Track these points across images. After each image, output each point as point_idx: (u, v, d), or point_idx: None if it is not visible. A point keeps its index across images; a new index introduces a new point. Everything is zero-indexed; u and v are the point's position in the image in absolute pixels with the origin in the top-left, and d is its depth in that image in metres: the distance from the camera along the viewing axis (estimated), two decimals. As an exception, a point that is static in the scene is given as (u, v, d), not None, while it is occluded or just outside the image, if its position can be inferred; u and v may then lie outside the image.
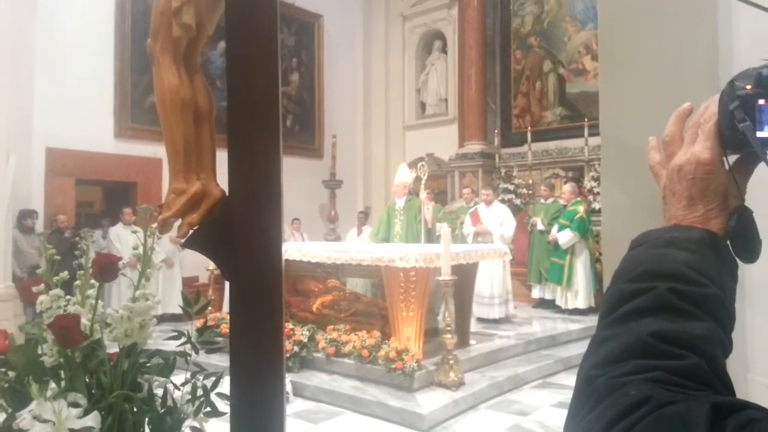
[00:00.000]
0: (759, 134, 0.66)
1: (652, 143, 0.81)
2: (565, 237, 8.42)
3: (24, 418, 1.21)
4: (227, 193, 1.38)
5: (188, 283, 9.54)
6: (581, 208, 8.57)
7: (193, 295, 1.39)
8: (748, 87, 0.67)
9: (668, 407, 0.51)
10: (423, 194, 7.60)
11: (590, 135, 9.99)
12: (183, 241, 1.37)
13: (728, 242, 0.70)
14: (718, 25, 1.65)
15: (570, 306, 8.49)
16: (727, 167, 0.71)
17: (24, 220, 8.10)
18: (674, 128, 0.77)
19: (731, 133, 0.69)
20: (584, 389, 0.59)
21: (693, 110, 0.78)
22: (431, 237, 7.58)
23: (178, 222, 1.41)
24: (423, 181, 7.53)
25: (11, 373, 1.36)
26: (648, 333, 0.59)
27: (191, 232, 1.37)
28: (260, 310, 1.36)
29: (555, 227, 8.66)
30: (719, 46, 1.64)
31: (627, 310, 0.63)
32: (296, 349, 5.78)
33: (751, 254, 0.70)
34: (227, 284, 8.08)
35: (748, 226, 0.69)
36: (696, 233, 0.68)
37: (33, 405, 1.23)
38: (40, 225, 8.37)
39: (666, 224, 0.73)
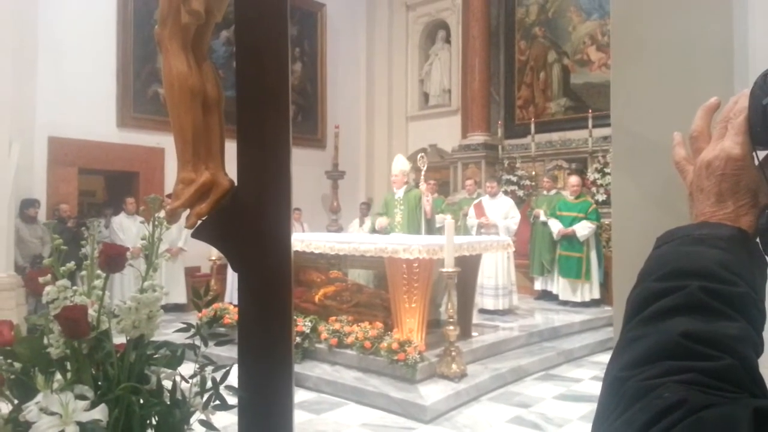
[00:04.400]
0: None
1: (677, 139, 0.79)
2: (585, 229, 8.25)
3: (30, 410, 1.19)
4: (236, 183, 1.36)
5: (190, 273, 9.54)
6: (590, 199, 8.57)
7: (203, 286, 1.37)
8: None
9: (706, 411, 0.49)
10: (423, 185, 7.56)
11: (594, 126, 9.93)
12: (192, 230, 1.35)
13: (758, 240, 0.68)
14: (733, 14, 1.62)
15: (587, 298, 8.30)
16: (756, 163, 0.69)
17: (26, 209, 8.09)
18: (701, 123, 0.75)
19: (762, 129, 0.67)
20: (614, 392, 0.57)
21: (720, 105, 0.76)
22: (431, 228, 7.55)
23: (186, 212, 1.40)
24: (423, 172, 7.49)
25: (17, 365, 1.35)
26: (679, 333, 0.57)
27: (200, 222, 1.35)
28: (269, 300, 1.34)
29: (555, 221, 8.56)
30: (734, 35, 1.61)
31: (656, 310, 0.61)
32: (298, 339, 5.78)
33: None
34: (230, 275, 8.04)
35: None
36: (726, 230, 0.66)
37: (39, 397, 1.22)
38: (42, 214, 8.37)
39: (693, 221, 0.71)
